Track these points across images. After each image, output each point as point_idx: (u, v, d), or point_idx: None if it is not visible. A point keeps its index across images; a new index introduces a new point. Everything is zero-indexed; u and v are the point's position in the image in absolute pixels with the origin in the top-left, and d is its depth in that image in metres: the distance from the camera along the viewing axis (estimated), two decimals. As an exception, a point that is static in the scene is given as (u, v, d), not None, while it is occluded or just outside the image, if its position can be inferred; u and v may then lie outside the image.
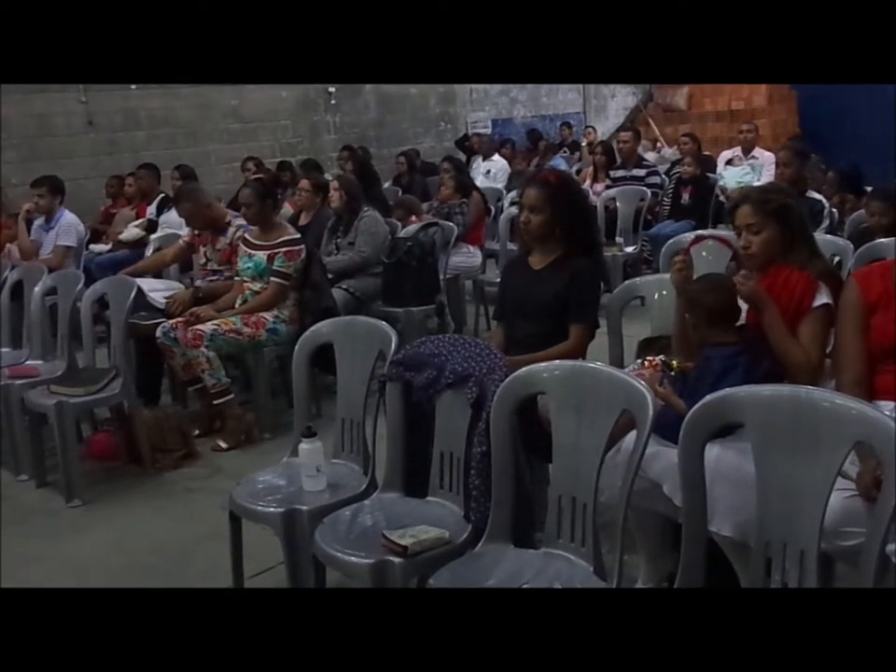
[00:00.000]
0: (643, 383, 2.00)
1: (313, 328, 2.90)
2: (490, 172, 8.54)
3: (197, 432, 4.21)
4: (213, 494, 3.48)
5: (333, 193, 5.08)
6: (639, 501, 2.33)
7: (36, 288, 4.42)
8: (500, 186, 7.87)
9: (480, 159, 8.96)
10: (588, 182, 7.11)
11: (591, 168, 7.41)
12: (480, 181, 8.33)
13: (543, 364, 2.18)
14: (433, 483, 2.45)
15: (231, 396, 4.12)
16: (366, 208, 5.08)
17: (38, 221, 6.06)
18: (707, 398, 1.96)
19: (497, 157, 8.84)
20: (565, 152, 9.97)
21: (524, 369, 2.18)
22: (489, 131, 10.70)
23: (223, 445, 4.11)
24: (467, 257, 5.71)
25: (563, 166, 8.84)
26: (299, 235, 4.32)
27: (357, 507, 2.43)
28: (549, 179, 3.09)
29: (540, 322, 2.98)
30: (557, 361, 2.19)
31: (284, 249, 4.20)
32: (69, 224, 5.99)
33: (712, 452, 2.13)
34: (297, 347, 2.86)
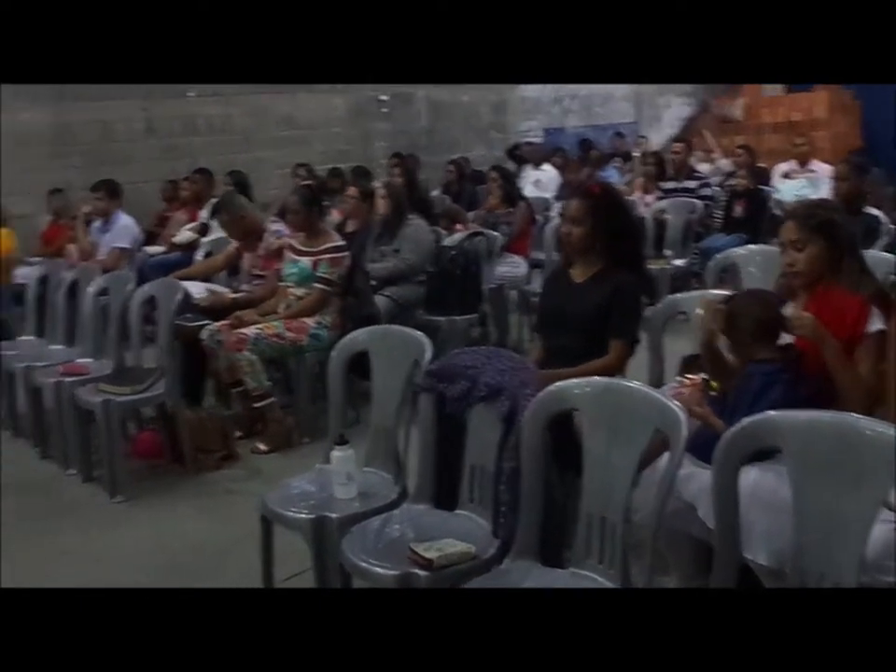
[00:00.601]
0: (677, 403, 1.97)
1: (349, 335, 2.91)
2: (540, 181, 8.50)
3: (238, 434, 4.27)
4: (251, 496, 3.49)
5: (380, 201, 5.12)
6: (673, 523, 2.29)
7: (90, 288, 4.54)
8: (550, 195, 7.83)
9: (530, 167, 8.93)
10: (638, 193, 7.04)
11: (641, 179, 7.33)
12: (529, 190, 8.31)
13: (576, 380, 2.16)
14: (463, 496, 2.44)
15: (272, 399, 4.16)
16: (411, 216, 5.10)
17: (96, 223, 6.22)
18: (744, 420, 1.92)
19: (547, 166, 8.80)
20: (617, 163, 9.89)
21: (556, 384, 2.16)
22: (541, 140, 10.66)
23: (263, 448, 4.15)
24: (512, 267, 5.69)
25: (614, 177, 8.78)
26: (343, 242, 4.36)
27: (386, 517, 2.43)
28: (592, 191, 3.07)
29: (579, 336, 2.95)
30: (591, 378, 2.17)
31: (328, 256, 4.24)
32: (125, 227, 6.13)
33: (749, 475, 2.09)
34: (333, 354, 2.88)
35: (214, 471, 3.99)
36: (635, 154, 9.63)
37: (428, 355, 2.59)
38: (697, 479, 2.22)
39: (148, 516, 3.60)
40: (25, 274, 5.60)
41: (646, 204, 6.71)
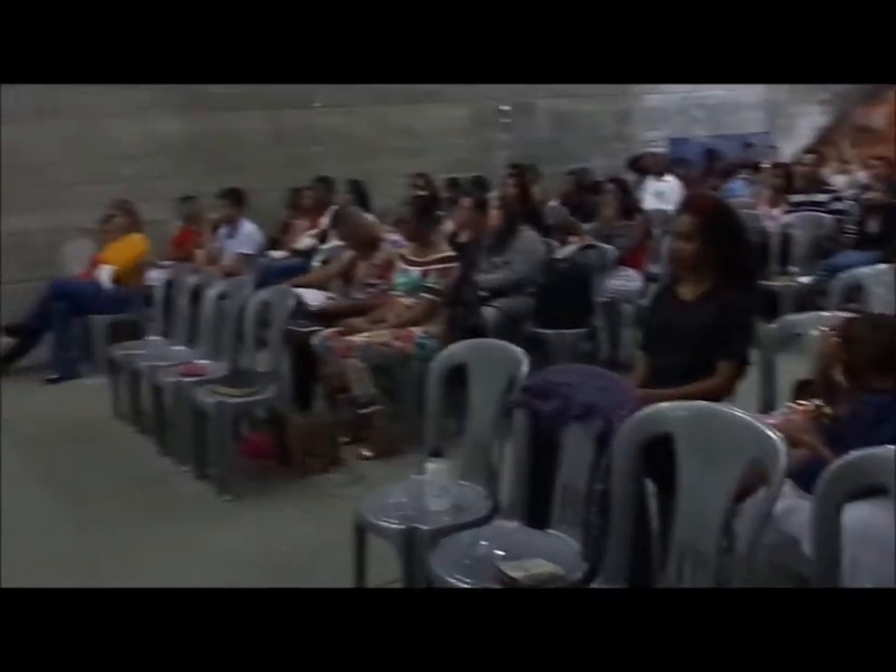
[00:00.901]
0: (777, 432, 1.88)
1: (448, 348, 2.92)
2: (661, 192, 8.31)
3: (345, 440, 4.34)
4: (353, 501, 3.54)
5: (492, 212, 5.12)
6: (775, 557, 2.19)
7: (210, 292, 4.72)
8: (670, 207, 7.64)
9: (651, 178, 8.74)
10: (764, 207, 6.79)
11: (769, 192, 7.06)
12: (650, 202, 8.13)
13: (671, 403, 2.10)
14: (555, 515, 2.40)
15: (378, 407, 4.22)
16: (523, 227, 5.08)
17: (222, 230, 6.49)
18: (852, 454, 1.81)
19: (669, 177, 8.59)
20: (744, 174, 9.55)
21: (650, 407, 2.10)
22: (664, 150, 10.41)
23: (368, 454, 4.21)
24: (626, 281, 5.57)
25: (741, 190, 8.48)
26: (453, 253, 4.39)
27: (476, 532, 2.42)
28: (703, 206, 2.98)
29: (686, 355, 2.86)
30: (687, 402, 2.09)
31: (438, 266, 4.27)
32: (248, 233, 6.38)
33: (861, 512, 1.98)
34: (431, 366, 2.90)
35: (319, 475, 4.07)
36: (763, 165, 9.28)
37: (525, 370, 2.56)
38: (802, 512, 2.11)
39: (253, 515, 3.71)
40: (155, 278, 5.89)
41: (772, 218, 6.45)
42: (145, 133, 7.56)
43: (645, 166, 9.24)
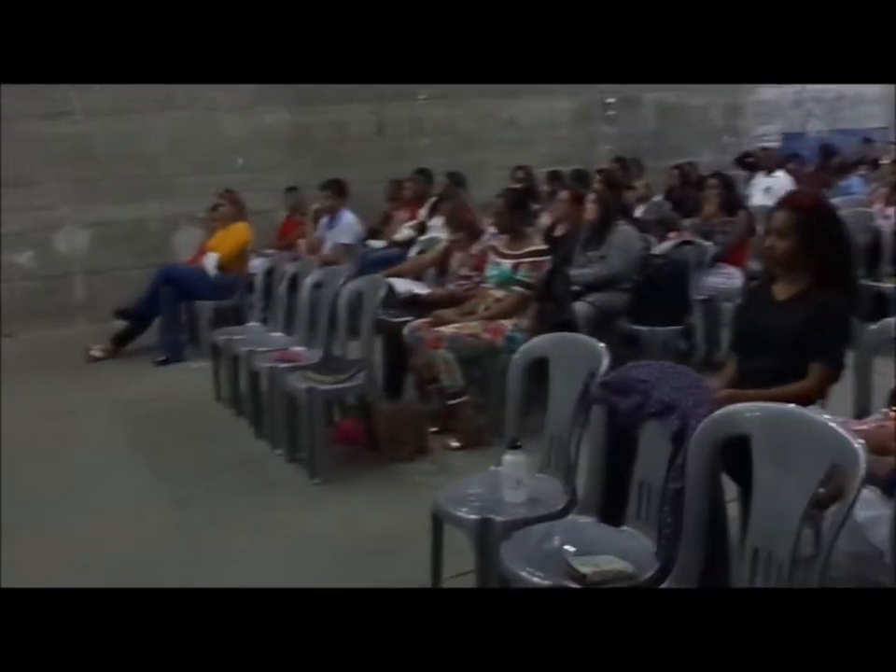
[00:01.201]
0: (859, 438, 1.80)
1: (530, 341, 2.91)
2: (771, 188, 8.03)
3: (433, 429, 4.38)
4: (437, 490, 3.60)
5: (589, 206, 5.07)
6: (857, 568, 2.11)
7: (307, 281, 4.84)
8: (778, 204, 7.38)
9: (761, 174, 8.46)
10: (879, 205, 6.48)
11: (885, 189, 6.74)
12: (758, 198, 7.89)
13: (749, 404, 2.04)
14: (630, 512, 2.37)
15: (465, 398, 4.24)
16: (621, 222, 5.01)
17: (324, 220, 6.63)
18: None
19: (780, 173, 8.30)
20: (862, 171, 9.14)
21: (726, 407, 2.05)
22: (777, 145, 10.07)
23: (454, 445, 4.24)
24: (726, 278, 5.42)
25: (857, 187, 8.13)
26: (545, 247, 4.37)
27: (549, 526, 2.42)
28: (800, 202, 2.87)
29: (777, 357, 2.77)
30: (764, 403, 2.03)
31: (529, 260, 4.26)
32: (349, 224, 6.50)
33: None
34: (513, 359, 2.90)
35: (405, 463, 4.13)
36: (882, 162, 8.86)
37: (605, 365, 2.54)
38: (888, 522, 2.03)
39: (339, 500, 3.79)
40: (258, 265, 6.08)
41: (886, 217, 6.15)
42: (254, 126, 7.81)
43: (755, 162, 8.96)
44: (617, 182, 5.95)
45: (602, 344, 2.66)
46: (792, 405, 1.97)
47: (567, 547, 2.26)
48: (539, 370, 2.91)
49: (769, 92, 10.34)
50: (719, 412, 2.06)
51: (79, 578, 3.15)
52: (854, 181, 8.58)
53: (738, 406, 2.03)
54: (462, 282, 4.75)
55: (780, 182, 8.24)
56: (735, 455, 2.09)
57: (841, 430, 1.81)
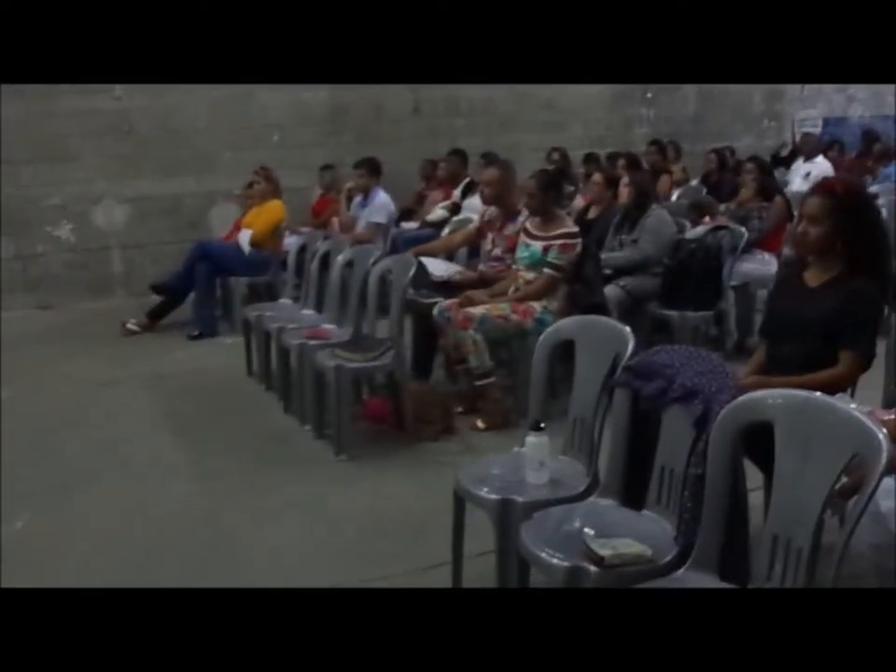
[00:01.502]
0: (883, 429, 1.78)
1: (556, 324, 2.91)
2: (810, 174, 7.90)
3: (459, 409, 4.40)
4: (461, 470, 3.64)
5: (623, 189, 5.03)
6: (880, 558, 2.10)
7: (338, 259, 4.86)
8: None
9: (801, 160, 8.33)
10: (920, 193, 6.35)
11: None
12: (798, 184, 7.77)
13: (772, 391, 2.02)
14: (651, 496, 2.37)
15: (493, 379, 4.25)
16: (654, 206, 4.97)
17: (357, 199, 6.65)
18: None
19: (820, 159, 8.16)
20: (906, 158, 8.94)
21: (749, 394, 2.03)
22: (818, 130, 9.89)
23: (480, 425, 4.25)
24: (760, 264, 5.36)
25: (896, 176, 7.96)
26: (577, 229, 4.34)
27: (570, 508, 2.42)
28: (834, 188, 2.83)
29: (807, 344, 2.74)
30: (788, 390, 2.01)
31: (560, 242, 4.24)
32: (382, 203, 6.50)
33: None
34: (539, 341, 2.90)
35: (431, 442, 4.15)
36: (926, 148, 8.66)
37: (630, 349, 2.53)
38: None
39: (365, 476, 3.82)
40: (291, 243, 6.12)
41: (925, 205, 6.03)
42: (291, 103, 7.83)
43: (787, 156, 8.81)
44: (639, 165, 5.91)
45: (627, 328, 2.65)
46: (817, 393, 1.95)
47: (586, 529, 2.26)
48: (564, 352, 2.92)
49: (812, 76, 10.15)
50: (741, 398, 2.05)
51: (107, 548, 3.24)
52: (893, 168, 8.40)
53: (761, 392, 2.02)
54: (494, 263, 4.74)
55: (820, 168, 8.09)
56: (761, 442, 2.08)
57: (864, 419, 1.79)
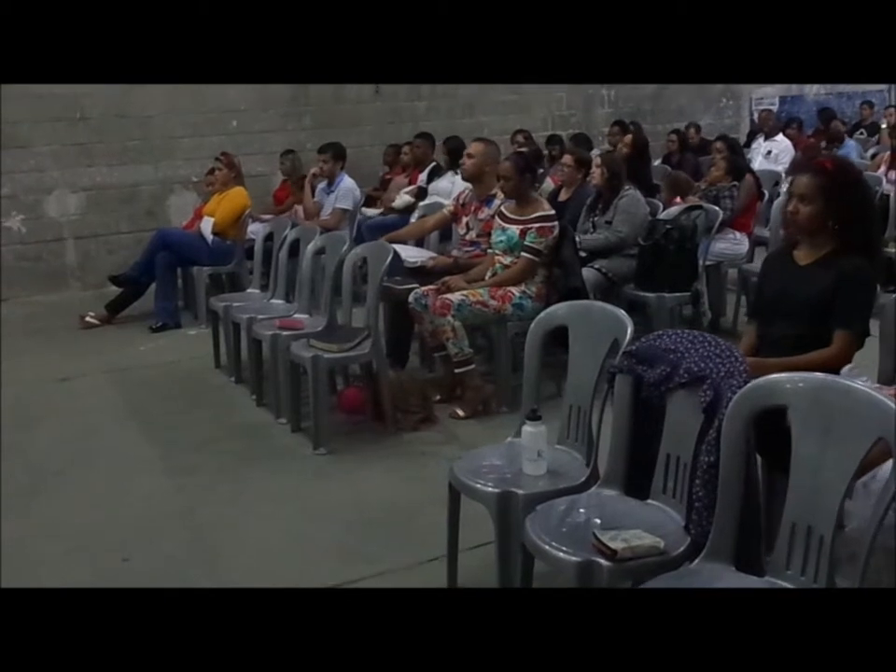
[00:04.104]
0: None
1: (549, 309, 2.84)
2: (771, 153, 7.95)
3: (438, 398, 4.32)
4: (444, 460, 3.53)
5: (595, 170, 4.97)
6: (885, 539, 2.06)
7: (308, 247, 4.73)
8: (781, 169, 7.31)
9: (761, 138, 8.37)
10: (883, 168, 6.41)
11: (888, 153, 6.67)
12: (759, 162, 7.82)
13: (789, 374, 1.97)
14: (656, 485, 2.31)
15: (473, 366, 4.17)
16: (627, 187, 4.92)
17: (321, 184, 6.50)
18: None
19: (780, 137, 8.21)
20: (861, 134, 9.06)
21: (765, 377, 1.98)
22: (775, 108, 9.96)
23: (460, 413, 4.18)
24: (732, 243, 5.36)
25: (853, 151, 8.05)
26: (553, 212, 4.26)
27: (574, 499, 2.36)
28: (824, 166, 2.79)
29: (799, 324, 2.71)
30: (805, 373, 1.96)
31: (537, 225, 4.16)
32: (347, 189, 6.36)
33: None
34: (531, 327, 2.82)
35: (411, 432, 4.06)
36: (882, 126, 8.78)
37: (629, 334, 2.47)
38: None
39: (346, 470, 3.73)
40: (256, 231, 5.96)
41: (890, 181, 6.09)
42: (249, 87, 7.62)
43: (756, 128, 8.86)
44: (644, 142, 5.92)
45: (623, 312, 2.59)
46: (834, 376, 1.90)
47: (594, 521, 2.20)
48: (549, 338, 2.84)
49: (768, 55, 10.22)
50: (755, 382, 2.00)
51: (80, 550, 3.10)
52: (851, 145, 8.50)
53: (778, 376, 1.96)
54: (468, 248, 4.65)
55: (780, 146, 8.16)
56: (764, 426, 2.04)
57: (888, 401, 1.74)
